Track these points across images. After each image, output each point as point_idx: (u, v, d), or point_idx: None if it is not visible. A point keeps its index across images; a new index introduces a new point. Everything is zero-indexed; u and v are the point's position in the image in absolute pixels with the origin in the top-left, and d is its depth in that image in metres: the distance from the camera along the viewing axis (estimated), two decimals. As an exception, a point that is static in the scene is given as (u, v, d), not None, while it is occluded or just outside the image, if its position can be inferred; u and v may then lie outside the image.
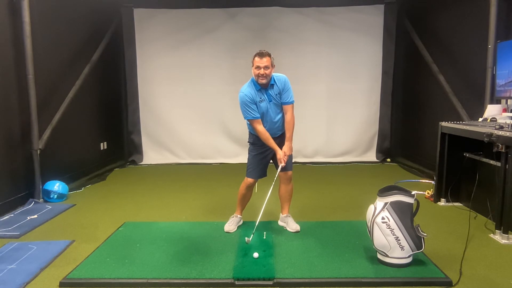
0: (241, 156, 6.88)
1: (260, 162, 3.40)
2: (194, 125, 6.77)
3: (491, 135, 3.21)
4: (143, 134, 6.84)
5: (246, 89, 3.17)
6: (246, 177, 3.41)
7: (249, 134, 3.43)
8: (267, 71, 3.07)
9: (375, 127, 6.86)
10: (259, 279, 2.51)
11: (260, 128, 3.20)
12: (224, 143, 6.88)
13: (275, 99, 3.22)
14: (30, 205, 4.24)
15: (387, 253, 2.66)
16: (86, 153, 5.77)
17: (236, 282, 2.50)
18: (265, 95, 3.19)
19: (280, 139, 3.35)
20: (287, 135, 3.34)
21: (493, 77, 4.09)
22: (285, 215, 3.51)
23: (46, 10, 4.72)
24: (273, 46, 6.63)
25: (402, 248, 2.63)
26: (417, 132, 6.24)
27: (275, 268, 2.64)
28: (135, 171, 6.31)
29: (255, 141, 3.35)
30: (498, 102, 4.16)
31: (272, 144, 3.23)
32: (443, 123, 4.10)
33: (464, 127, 3.72)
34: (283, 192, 3.52)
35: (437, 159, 4.19)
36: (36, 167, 4.42)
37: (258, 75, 3.08)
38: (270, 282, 2.49)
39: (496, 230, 3.25)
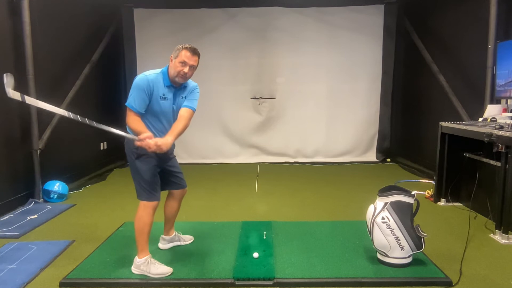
0: (241, 156, 6.90)
1: (156, 175, 2.67)
2: (194, 125, 6.68)
3: (491, 135, 3.21)
4: (143, 134, 6.83)
5: (153, 75, 2.54)
6: (147, 202, 2.59)
7: (130, 143, 2.58)
8: (191, 73, 2.57)
9: (375, 127, 6.86)
10: (259, 279, 2.51)
11: (134, 118, 2.51)
12: (224, 143, 6.88)
13: (178, 103, 2.67)
14: (30, 205, 4.24)
15: (387, 253, 2.66)
16: (86, 153, 5.77)
17: (236, 282, 2.50)
18: (171, 95, 2.62)
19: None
20: (173, 127, 2.65)
21: (493, 77, 4.09)
22: (175, 234, 3.09)
23: (46, 10, 4.71)
24: (273, 46, 6.67)
25: (402, 248, 2.63)
26: (417, 132, 6.24)
27: (275, 268, 2.64)
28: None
29: (145, 151, 2.51)
30: (498, 102, 4.16)
31: (144, 129, 2.50)
32: (443, 123, 4.10)
33: (464, 127, 3.72)
34: (175, 210, 2.98)
35: (437, 159, 4.19)
36: (36, 167, 4.42)
37: (179, 72, 2.52)
38: (270, 282, 2.49)
39: (496, 230, 3.25)
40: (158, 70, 2.62)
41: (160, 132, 2.64)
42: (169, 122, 2.67)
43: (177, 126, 2.60)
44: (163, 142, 2.46)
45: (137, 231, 2.60)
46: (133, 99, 2.50)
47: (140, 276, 2.58)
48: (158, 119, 2.62)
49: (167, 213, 2.99)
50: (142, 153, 2.55)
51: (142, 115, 2.56)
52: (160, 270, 2.59)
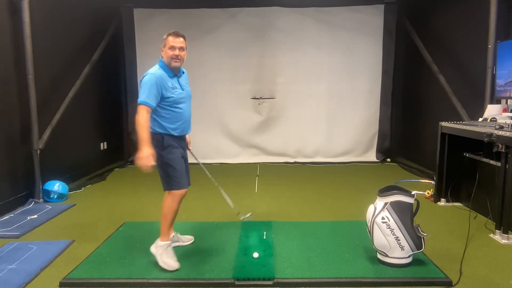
0: (241, 156, 6.89)
1: (185, 164, 2.91)
2: (194, 125, 6.69)
3: (491, 135, 3.21)
4: (143, 134, 6.82)
5: (157, 71, 2.68)
6: (176, 191, 2.76)
7: (157, 138, 2.72)
8: (182, 53, 2.72)
9: (375, 127, 6.86)
10: (259, 279, 2.51)
11: (146, 116, 2.61)
12: (224, 143, 6.88)
13: (186, 89, 2.86)
14: (30, 205, 4.24)
15: (387, 253, 2.66)
16: (86, 153, 5.77)
17: (236, 282, 2.50)
18: (177, 83, 2.78)
19: (185, 139, 3.05)
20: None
21: (493, 77, 4.09)
22: (173, 234, 3.07)
23: (46, 10, 4.72)
24: (273, 46, 6.67)
25: (402, 248, 2.63)
26: (417, 132, 6.24)
27: (275, 268, 2.64)
28: (135, 171, 6.30)
29: (171, 142, 2.77)
30: (498, 102, 4.17)
31: (146, 136, 2.59)
32: (443, 123, 4.10)
33: (464, 127, 3.72)
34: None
35: (437, 159, 4.19)
36: (36, 167, 4.42)
37: (171, 57, 2.68)
38: (270, 282, 2.49)
39: (496, 230, 3.25)
40: (157, 67, 2.75)
41: (179, 118, 2.80)
42: (185, 106, 2.85)
43: None
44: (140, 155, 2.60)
45: (163, 215, 2.78)
46: (146, 95, 2.62)
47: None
48: (176, 106, 2.76)
49: None
50: (167, 145, 2.73)
51: (159, 109, 2.70)
52: (168, 261, 2.69)
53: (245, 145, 6.93)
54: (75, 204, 4.35)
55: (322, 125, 6.83)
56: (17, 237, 3.35)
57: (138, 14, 6.59)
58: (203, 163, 3.20)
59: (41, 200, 4.42)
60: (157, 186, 5.18)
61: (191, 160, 3.14)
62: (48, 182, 4.52)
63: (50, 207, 4.20)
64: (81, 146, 5.64)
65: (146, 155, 2.56)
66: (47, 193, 4.45)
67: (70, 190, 4.73)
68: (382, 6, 6.54)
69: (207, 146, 6.80)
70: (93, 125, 6.01)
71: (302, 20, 6.62)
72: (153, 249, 2.78)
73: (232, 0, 6.54)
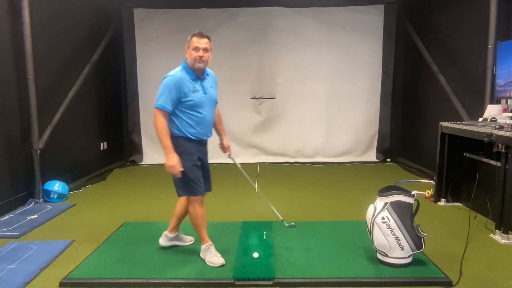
0: (241, 156, 6.88)
1: (199, 169, 2.78)
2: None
3: (491, 135, 3.21)
4: (143, 134, 6.84)
5: (178, 73, 2.64)
6: (194, 197, 2.73)
7: (174, 141, 2.66)
8: (206, 55, 2.65)
9: (375, 127, 6.86)
10: (259, 279, 2.51)
11: (163, 120, 2.61)
12: (224, 143, 6.88)
13: (210, 92, 2.79)
14: (30, 205, 4.24)
15: (387, 253, 2.66)
16: (86, 153, 5.77)
17: (236, 282, 2.50)
18: (200, 86, 2.72)
19: (206, 144, 2.95)
20: (221, 127, 3.17)
21: (493, 77, 4.09)
22: (177, 234, 3.09)
23: (46, 10, 4.71)
24: (273, 46, 6.68)
25: (402, 248, 2.63)
26: (417, 132, 6.24)
27: (275, 268, 2.65)
28: (135, 171, 6.31)
29: (188, 148, 2.70)
30: (498, 102, 4.17)
31: (167, 142, 2.60)
32: (443, 123, 4.10)
33: (464, 127, 3.72)
34: (187, 212, 2.92)
35: (437, 159, 4.19)
36: (36, 167, 4.42)
37: (195, 59, 2.61)
38: (270, 282, 2.49)
39: (496, 230, 3.25)
40: (179, 68, 2.71)
41: (198, 123, 2.72)
42: (206, 111, 2.76)
43: (219, 120, 3.13)
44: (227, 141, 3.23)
45: (193, 225, 2.83)
46: (165, 100, 2.59)
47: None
48: (196, 110, 2.70)
49: (177, 210, 3.01)
50: (183, 150, 2.68)
51: (178, 112, 2.67)
52: (212, 259, 2.75)
53: (245, 145, 6.93)
54: (75, 204, 4.35)
55: (322, 125, 6.83)
56: (17, 237, 3.35)
57: (138, 14, 6.58)
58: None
59: (41, 200, 4.42)
60: (157, 186, 5.20)
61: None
62: (48, 182, 4.52)
63: (50, 207, 4.20)
64: (81, 146, 5.64)
65: (172, 164, 2.60)
66: (47, 193, 4.45)
67: (70, 190, 4.73)
68: (382, 6, 6.54)
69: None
70: (93, 125, 6.01)
71: (302, 20, 6.62)
72: (201, 254, 2.83)
73: (232, 0, 6.54)
